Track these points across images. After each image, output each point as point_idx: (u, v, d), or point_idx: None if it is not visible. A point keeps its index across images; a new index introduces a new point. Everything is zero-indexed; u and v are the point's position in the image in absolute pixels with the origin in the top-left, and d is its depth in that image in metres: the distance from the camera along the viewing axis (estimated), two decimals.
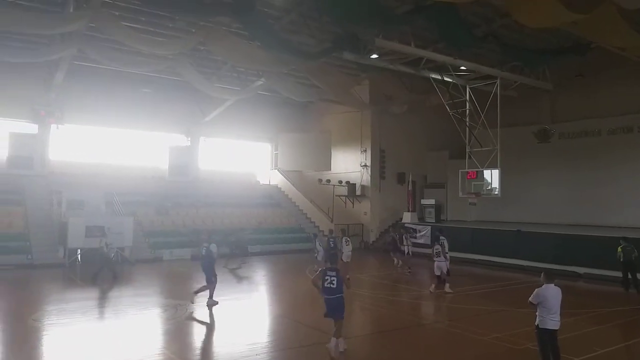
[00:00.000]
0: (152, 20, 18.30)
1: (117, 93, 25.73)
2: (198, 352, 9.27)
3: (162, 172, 27.47)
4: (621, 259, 15.71)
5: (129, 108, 26.33)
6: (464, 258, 22.26)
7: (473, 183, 23.59)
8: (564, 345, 7.72)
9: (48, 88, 23.46)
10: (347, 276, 18.06)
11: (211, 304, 12.49)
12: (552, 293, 7.59)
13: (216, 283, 12.76)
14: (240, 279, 17.70)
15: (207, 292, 12.66)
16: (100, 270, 16.19)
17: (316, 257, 18.08)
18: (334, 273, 8.85)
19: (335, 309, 8.76)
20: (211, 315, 11.91)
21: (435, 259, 14.84)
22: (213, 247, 12.77)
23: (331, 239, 18.29)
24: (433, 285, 14.95)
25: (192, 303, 12.58)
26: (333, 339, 8.70)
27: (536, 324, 7.63)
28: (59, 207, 21.92)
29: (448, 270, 15.12)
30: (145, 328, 11.00)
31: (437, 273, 14.87)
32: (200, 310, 12.65)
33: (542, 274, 7.90)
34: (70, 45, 18.59)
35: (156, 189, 26.19)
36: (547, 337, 7.59)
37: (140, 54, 20.20)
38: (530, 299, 7.63)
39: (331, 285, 8.76)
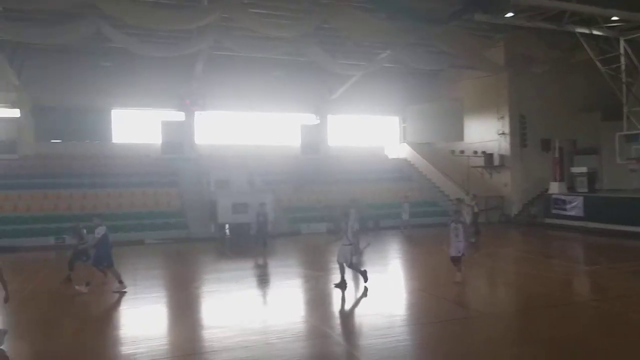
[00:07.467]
0: (276, 4, 18.89)
1: (249, 78, 27.15)
2: (340, 321, 9.54)
3: (295, 151, 28.61)
4: None
5: (262, 92, 27.71)
6: (624, 231, 19.84)
7: (634, 147, 20.82)
8: None
9: (190, 78, 25.62)
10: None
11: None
12: None
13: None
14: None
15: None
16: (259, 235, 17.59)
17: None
18: None
19: None
20: (349, 288, 12.14)
21: None
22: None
23: None
24: None
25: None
26: None
27: None
28: (208, 186, 24.03)
29: None
30: (288, 297, 11.61)
31: None
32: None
33: None
34: (207, 36, 20.02)
35: (290, 167, 27.36)
36: None
37: (269, 39, 21.00)
38: None
39: None
